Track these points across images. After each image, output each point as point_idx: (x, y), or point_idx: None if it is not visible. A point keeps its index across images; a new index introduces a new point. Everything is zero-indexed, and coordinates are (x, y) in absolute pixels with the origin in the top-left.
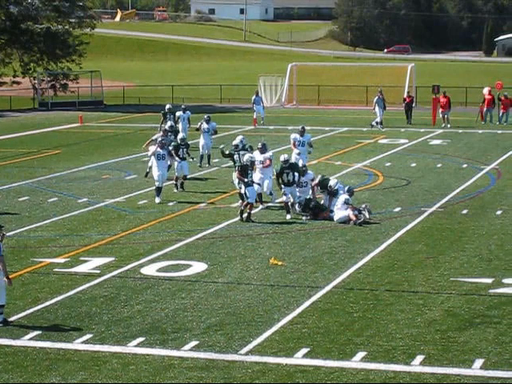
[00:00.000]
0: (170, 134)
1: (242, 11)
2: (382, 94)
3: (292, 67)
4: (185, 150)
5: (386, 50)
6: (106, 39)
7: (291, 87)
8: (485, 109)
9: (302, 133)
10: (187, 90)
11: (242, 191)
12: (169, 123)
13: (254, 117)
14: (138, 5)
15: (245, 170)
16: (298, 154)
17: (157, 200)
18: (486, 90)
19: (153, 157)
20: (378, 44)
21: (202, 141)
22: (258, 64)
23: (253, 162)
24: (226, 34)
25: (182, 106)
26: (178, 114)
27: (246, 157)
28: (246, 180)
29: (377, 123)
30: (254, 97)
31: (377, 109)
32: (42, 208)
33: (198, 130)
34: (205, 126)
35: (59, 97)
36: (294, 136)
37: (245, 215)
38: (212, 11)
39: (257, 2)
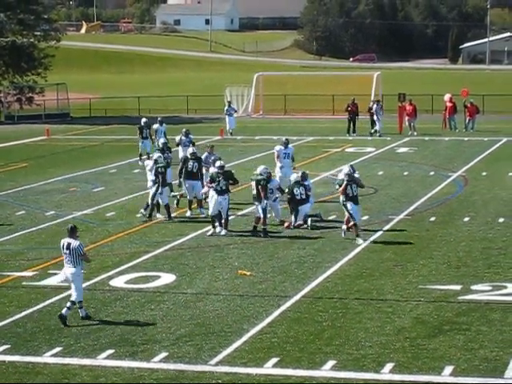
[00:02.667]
0: (166, 150)
1: (207, 22)
2: (380, 103)
3: (258, 77)
4: (195, 163)
5: (351, 59)
6: (71, 52)
7: (258, 97)
8: (447, 116)
9: (286, 144)
10: (154, 101)
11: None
12: (162, 140)
13: (227, 128)
14: (104, 17)
15: (267, 185)
16: (281, 167)
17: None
18: (446, 97)
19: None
20: (343, 53)
21: (181, 154)
22: (224, 74)
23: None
24: (192, 44)
25: (159, 119)
26: (154, 126)
27: (261, 169)
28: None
29: (375, 131)
30: (226, 107)
31: (375, 117)
32: (10, 221)
33: (178, 144)
34: (184, 138)
35: (26, 110)
36: (279, 148)
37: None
38: (177, 22)
39: (222, 13)
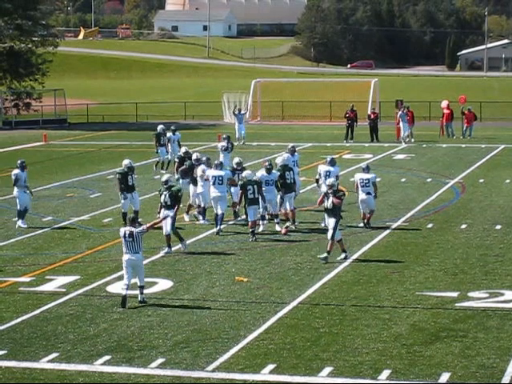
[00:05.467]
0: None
1: (205, 28)
2: (407, 108)
3: (256, 83)
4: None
5: (349, 66)
6: (69, 57)
7: (255, 103)
8: (444, 123)
9: (293, 152)
10: (151, 107)
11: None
12: (183, 149)
13: (237, 136)
14: (101, 23)
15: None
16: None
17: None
18: (444, 104)
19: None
20: (341, 59)
21: (221, 159)
22: (222, 80)
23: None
24: (190, 50)
25: (172, 128)
26: (168, 135)
27: (250, 173)
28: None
29: (406, 137)
30: (237, 113)
31: (401, 124)
32: (7, 227)
33: (225, 150)
34: (224, 144)
35: (23, 115)
36: (287, 156)
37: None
38: (175, 28)
39: (220, 19)
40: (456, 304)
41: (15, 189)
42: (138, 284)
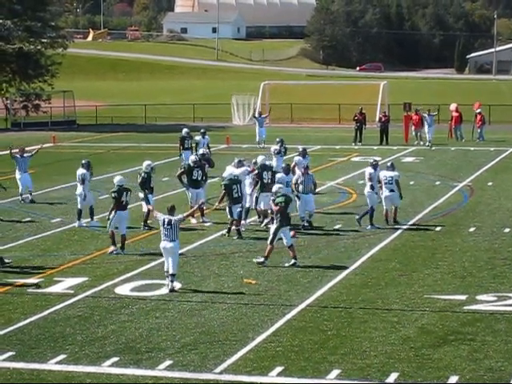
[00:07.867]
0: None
1: (214, 30)
2: (430, 111)
3: (264, 86)
4: (199, 171)
5: (358, 68)
6: (78, 59)
7: (264, 106)
8: (453, 126)
9: (304, 154)
10: (160, 109)
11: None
12: (200, 151)
13: (258, 139)
14: (110, 24)
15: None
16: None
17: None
18: (452, 107)
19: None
20: (350, 62)
21: (274, 163)
22: (231, 83)
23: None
24: (199, 52)
25: (202, 131)
26: (196, 138)
27: (231, 172)
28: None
29: (427, 140)
30: (257, 116)
31: (426, 128)
32: (15, 228)
33: (278, 153)
34: (276, 148)
35: (32, 117)
36: (299, 159)
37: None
38: (184, 30)
39: (229, 21)
40: (464, 307)
41: (80, 188)
42: (170, 272)
